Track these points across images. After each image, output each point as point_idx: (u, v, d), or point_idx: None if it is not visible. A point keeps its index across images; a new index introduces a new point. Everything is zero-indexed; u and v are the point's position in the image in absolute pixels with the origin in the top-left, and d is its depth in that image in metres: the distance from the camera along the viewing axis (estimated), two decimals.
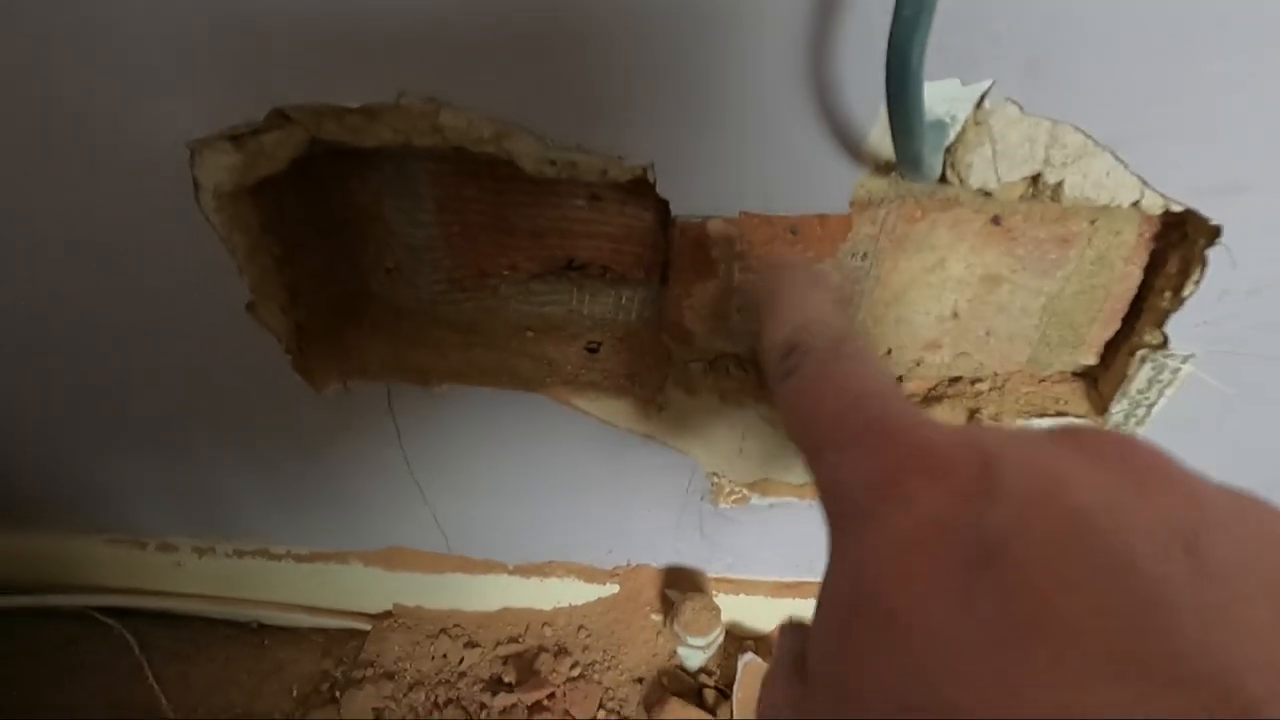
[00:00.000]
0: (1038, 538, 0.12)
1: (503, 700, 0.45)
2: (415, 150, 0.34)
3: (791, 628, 0.18)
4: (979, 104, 0.24)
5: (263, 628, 0.52)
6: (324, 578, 0.50)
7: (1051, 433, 0.15)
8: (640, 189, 0.34)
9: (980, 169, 0.26)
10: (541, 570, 0.48)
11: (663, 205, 0.34)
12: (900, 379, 0.37)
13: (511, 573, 0.48)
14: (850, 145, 0.26)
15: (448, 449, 0.41)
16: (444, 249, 0.37)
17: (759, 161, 0.27)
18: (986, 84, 0.24)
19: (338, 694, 0.47)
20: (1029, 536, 0.12)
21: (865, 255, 0.31)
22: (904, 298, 0.32)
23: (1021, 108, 0.24)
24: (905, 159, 0.22)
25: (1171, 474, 0.14)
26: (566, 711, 0.45)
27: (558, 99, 0.26)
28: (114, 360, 0.38)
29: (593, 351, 0.39)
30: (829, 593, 0.15)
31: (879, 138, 0.25)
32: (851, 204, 0.28)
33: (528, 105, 0.26)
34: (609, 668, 0.46)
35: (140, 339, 0.37)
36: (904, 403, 0.17)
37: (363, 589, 0.50)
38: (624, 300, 0.39)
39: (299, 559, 0.49)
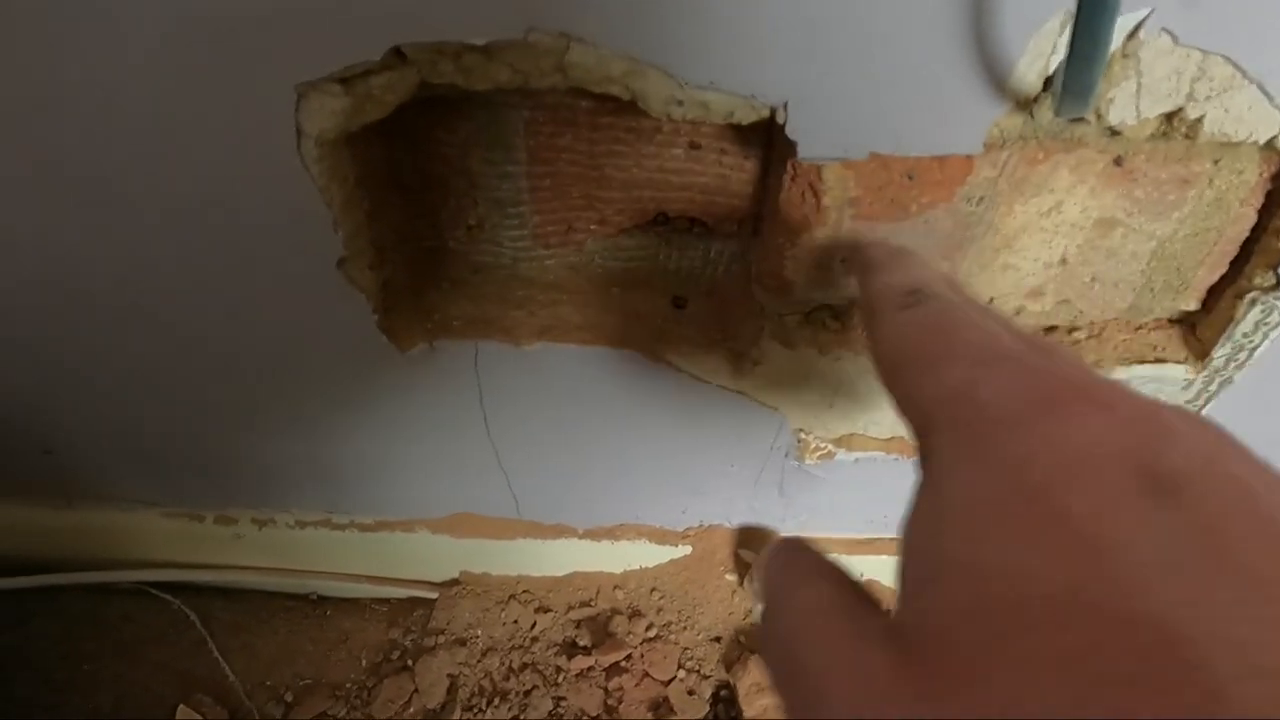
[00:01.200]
0: (1214, 486, 0.13)
1: (579, 663, 0.45)
2: (511, 98, 0.33)
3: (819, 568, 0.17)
4: (1131, 34, 0.24)
5: (322, 599, 0.51)
6: (389, 547, 0.49)
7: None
8: (744, 136, 0.33)
9: (1121, 104, 0.26)
10: (612, 533, 0.48)
11: (766, 153, 0.34)
12: None
13: (581, 536, 0.48)
14: (995, 79, 0.25)
15: (529, 409, 0.40)
16: (531, 203, 0.36)
17: (896, 100, 0.26)
18: (1145, 12, 0.23)
19: (409, 662, 0.47)
20: (1206, 483, 0.13)
21: (981, 200, 0.31)
22: (1015, 243, 0.32)
23: (1176, 38, 0.24)
24: (1075, 89, 0.22)
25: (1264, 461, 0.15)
26: (645, 672, 0.45)
27: (695, 33, 0.25)
28: (185, 327, 0.37)
29: (680, 307, 0.39)
30: (962, 489, 0.15)
31: (1024, 71, 0.25)
32: (986, 143, 0.27)
33: (663, 40, 0.25)
34: (685, 628, 0.46)
35: (215, 302, 0.35)
36: (1020, 338, 0.18)
37: (429, 557, 0.49)
38: (712, 254, 0.38)
39: (363, 528, 0.49)
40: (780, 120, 0.27)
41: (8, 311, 0.37)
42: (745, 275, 0.38)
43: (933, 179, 0.30)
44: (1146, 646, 0.11)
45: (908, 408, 0.18)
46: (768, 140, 0.33)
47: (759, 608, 0.18)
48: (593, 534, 0.48)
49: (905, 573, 0.15)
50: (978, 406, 0.16)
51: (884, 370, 0.19)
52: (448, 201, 0.37)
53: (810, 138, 0.27)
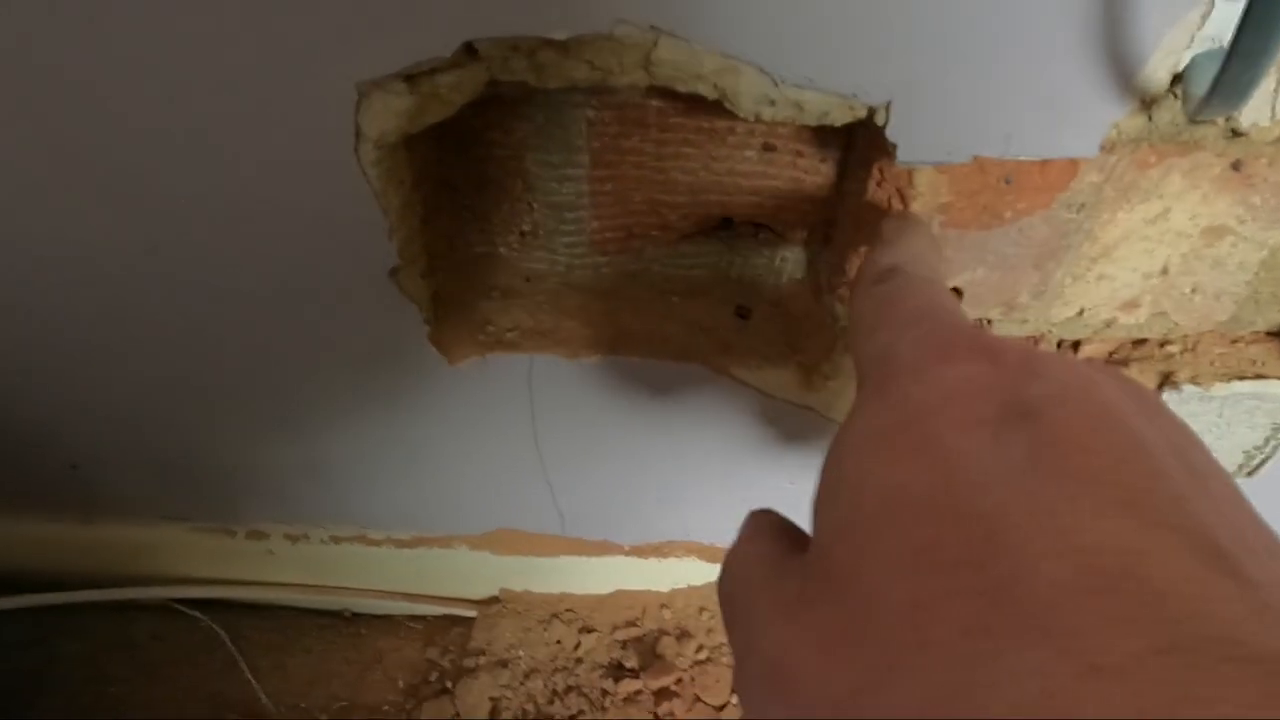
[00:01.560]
0: (1070, 410, 0.15)
1: (627, 686, 0.43)
2: (575, 96, 0.31)
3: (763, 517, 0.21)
4: None
5: (356, 616, 0.50)
6: (426, 563, 0.47)
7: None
8: (822, 137, 0.31)
9: (1257, 103, 0.24)
10: (660, 550, 0.46)
11: (845, 155, 0.32)
12: (1077, 345, 0.35)
13: (627, 554, 0.46)
14: (1123, 77, 0.23)
15: (581, 423, 0.39)
16: (590, 207, 0.34)
17: (1012, 99, 0.24)
18: None
19: (449, 684, 0.45)
20: (1062, 408, 0.15)
21: (1083, 206, 0.29)
22: (1114, 252, 0.30)
23: None
24: (1232, 88, 0.20)
25: (1158, 403, 0.17)
26: (696, 696, 0.43)
27: (796, 27, 0.23)
28: (225, 338, 0.35)
29: (744, 317, 0.37)
30: (863, 422, 0.17)
31: (1155, 68, 0.23)
32: (1101, 146, 0.25)
33: (761, 34, 0.23)
34: None
35: (259, 313, 0.34)
36: (956, 314, 0.20)
37: (467, 574, 0.47)
38: (777, 263, 0.36)
39: (399, 544, 0.47)
40: (880, 121, 0.25)
41: (37, 323, 0.35)
42: (815, 285, 0.36)
43: (1032, 184, 0.28)
44: (974, 536, 0.13)
45: (856, 369, 0.21)
46: (849, 141, 0.31)
47: None
48: (639, 551, 0.46)
49: (814, 502, 0.18)
50: (892, 359, 0.18)
51: (848, 337, 0.22)
52: (501, 206, 0.35)
53: (912, 140, 0.25)
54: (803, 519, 0.48)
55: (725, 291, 0.37)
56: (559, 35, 0.24)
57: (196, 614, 0.47)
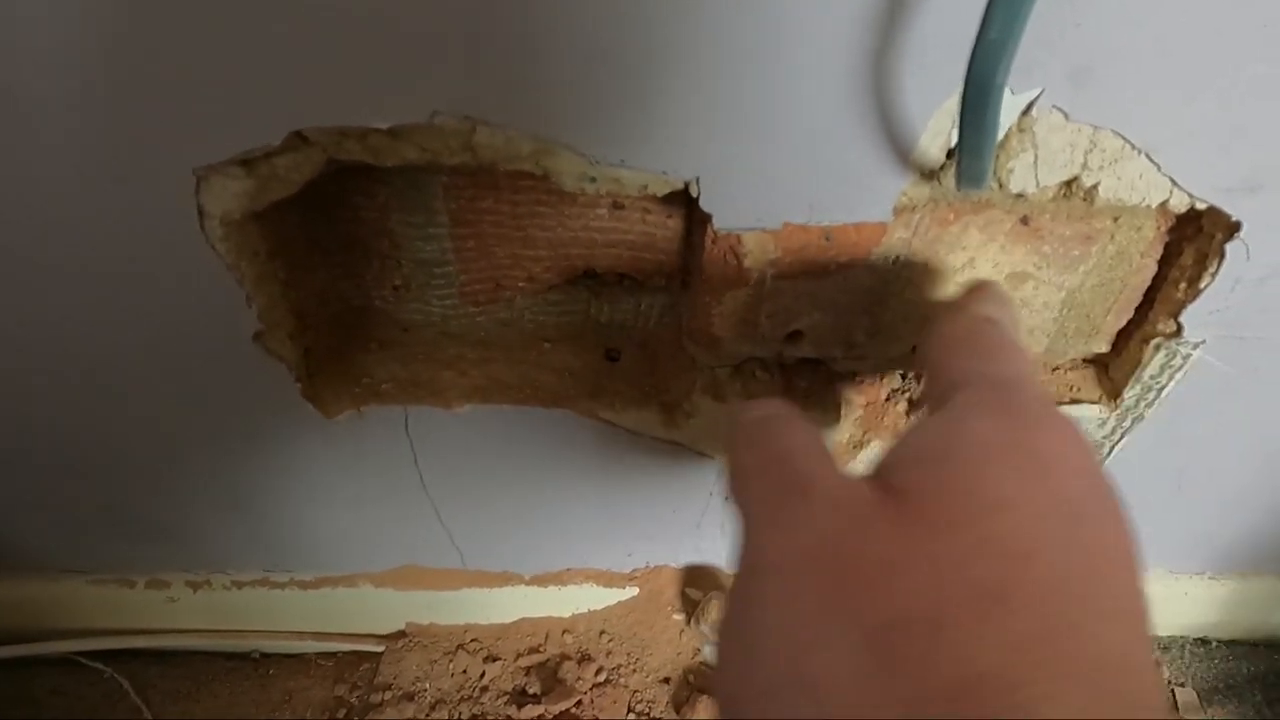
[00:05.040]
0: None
1: (529, 711, 0.45)
2: (428, 165, 0.32)
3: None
4: (1025, 111, 0.25)
5: (265, 657, 0.50)
6: (331, 602, 0.48)
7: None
8: (668, 197, 0.33)
9: (1021, 174, 0.26)
10: (559, 578, 0.48)
11: (689, 212, 0.34)
12: (919, 376, 0.38)
13: (528, 583, 0.48)
14: (900, 155, 0.26)
15: (465, 466, 0.40)
16: (456, 263, 0.36)
17: (807, 174, 0.26)
18: (1035, 92, 0.24)
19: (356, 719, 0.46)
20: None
21: (897, 258, 0.31)
22: (936, 296, 0.33)
23: (1066, 115, 0.25)
24: (970, 176, 0.23)
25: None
26: (595, 717, 0.44)
27: (603, 115, 0.25)
28: (108, 397, 0.35)
29: (613, 360, 0.39)
30: (976, 429, 0.19)
31: (926, 146, 0.25)
32: (895, 211, 0.28)
33: (569, 121, 0.25)
34: (634, 670, 0.46)
35: (136, 375, 0.34)
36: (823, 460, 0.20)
37: (373, 610, 0.48)
38: (643, 306, 0.38)
39: (304, 585, 0.47)
40: (694, 193, 0.27)
41: None
42: (677, 327, 0.38)
43: (849, 240, 0.30)
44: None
45: (940, 373, 0.23)
46: (687, 200, 0.33)
47: (708, 645, 0.23)
48: (539, 580, 0.48)
49: (909, 451, 0.19)
50: (998, 383, 0.21)
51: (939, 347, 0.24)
52: (371, 263, 0.36)
53: (724, 209, 0.28)
54: (690, 545, 0.49)
55: (595, 336, 0.39)
56: (381, 125, 0.25)
57: (99, 665, 0.47)
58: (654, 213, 0.34)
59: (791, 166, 0.26)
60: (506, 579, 0.48)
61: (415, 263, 0.36)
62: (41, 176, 0.26)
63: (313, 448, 0.38)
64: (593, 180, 0.27)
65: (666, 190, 0.28)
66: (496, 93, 0.24)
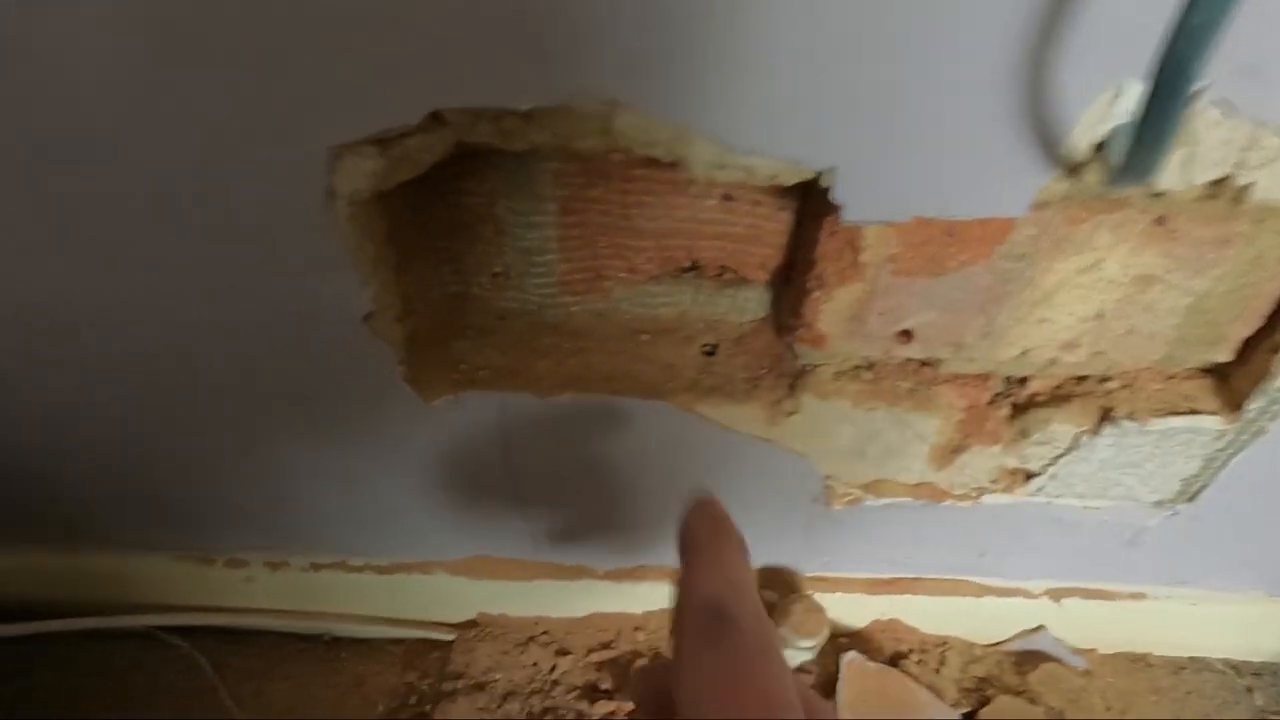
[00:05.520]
0: None
1: (602, 707, 0.45)
2: (543, 150, 0.32)
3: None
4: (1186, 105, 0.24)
5: (335, 640, 0.50)
6: (405, 588, 0.48)
7: None
8: (779, 189, 0.33)
9: (1171, 172, 0.26)
10: (634, 575, 0.47)
11: (802, 205, 0.33)
12: (1025, 380, 0.37)
13: (602, 577, 0.47)
14: (1048, 148, 0.25)
15: (553, 457, 0.40)
16: (559, 251, 0.36)
17: (948, 166, 0.26)
18: (1204, 83, 0.23)
19: (427, 708, 0.46)
20: None
21: (1021, 257, 0.30)
22: (1053, 298, 0.32)
23: (1227, 111, 0.24)
24: (1138, 169, 0.22)
25: None
26: None
27: (745, 101, 0.24)
28: (205, 374, 0.36)
29: (709, 354, 0.38)
30: None
31: (1077, 139, 0.25)
32: (1031, 207, 0.27)
33: (712, 107, 0.25)
34: None
35: (239, 353, 0.35)
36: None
37: (445, 598, 0.48)
38: (741, 301, 0.38)
39: (379, 570, 0.48)
40: (825, 185, 0.27)
41: (24, 359, 0.36)
42: (777, 324, 0.37)
43: (973, 237, 0.30)
44: None
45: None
46: (804, 192, 0.33)
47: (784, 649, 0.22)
48: (614, 575, 0.47)
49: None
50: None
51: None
52: (473, 249, 0.36)
53: (855, 201, 0.27)
54: (768, 546, 0.48)
55: (691, 330, 0.39)
56: (522, 106, 0.25)
57: (176, 641, 0.48)
58: (764, 205, 0.34)
59: (933, 158, 0.26)
60: (580, 572, 0.47)
61: (517, 250, 0.36)
62: (179, 147, 0.26)
63: (408, 432, 0.38)
64: (723, 168, 0.27)
65: (795, 180, 0.27)
66: (640, 76, 0.24)
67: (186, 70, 0.24)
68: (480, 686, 0.46)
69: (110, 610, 0.47)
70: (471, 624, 0.49)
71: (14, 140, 0.26)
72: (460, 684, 0.46)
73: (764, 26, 0.22)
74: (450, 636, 0.49)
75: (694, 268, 0.37)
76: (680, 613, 0.21)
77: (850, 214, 0.27)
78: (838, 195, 0.27)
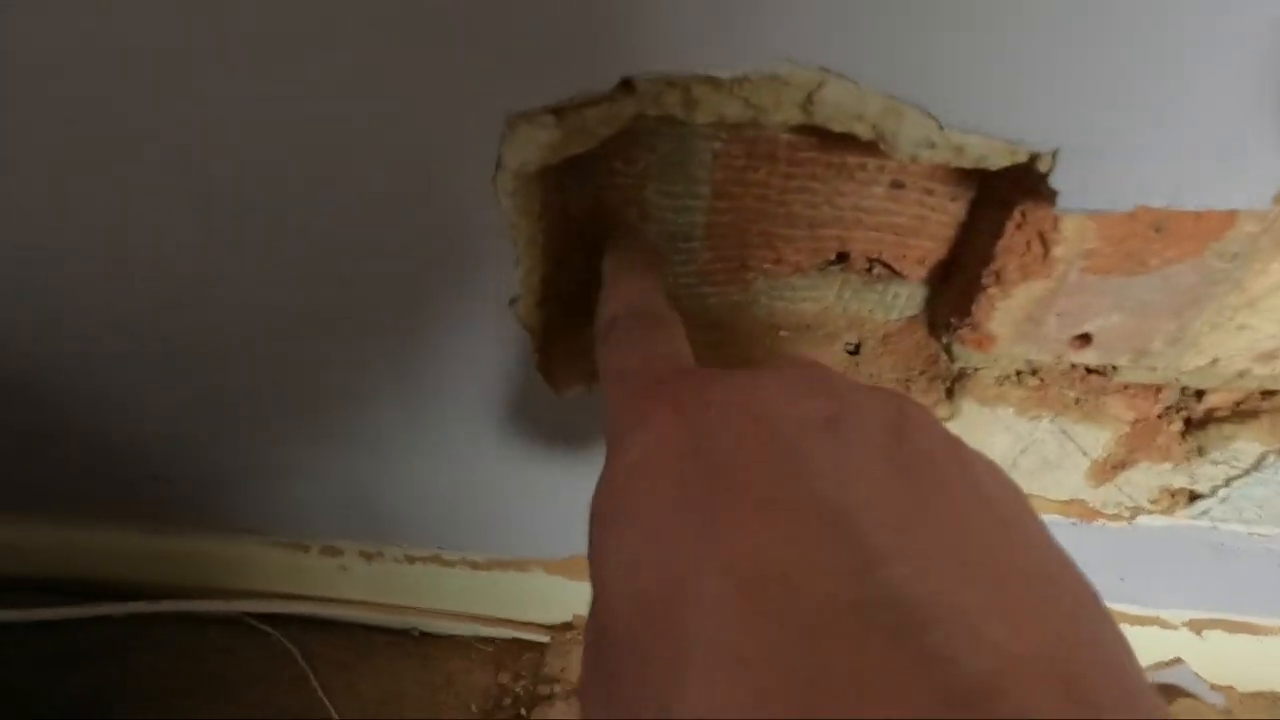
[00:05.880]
0: (727, 432, 0.17)
1: None
2: (706, 129, 0.30)
3: None
4: None
5: (423, 635, 0.49)
6: (500, 586, 0.47)
7: (759, 367, 0.20)
8: (956, 175, 0.31)
9: None
10: None
11: (979, 194, 0.31)
12: (1202, 393, 0.34)
13: None
14: None
15: None
16: (705, 238, 0.34)
17: (1184, 152, 0.23)
18: None
19: (523, 711, 0.44)
20: (721, 432, 0.17)
21: (1235, 256, 0.28)
22: (1260, 303, 0.29)
23: None
24: None
25: (826, 381, 0.19)
26: None
27: (973, 71, 0.22)
28: (325, 357, 0.35)
29: (853, 353, 0.36)
30: (597, 499, 0.19)
31: None
32: (1275, 199, 0.24)
33: (936, 77, 0.22)
34: None
35: (367, 336, 0.33)
36: (667, 358, 0.23)
37: (541, 598, 0.47)
38: (890, 298, 0.35)
39: (474, 566, 0.46)
40: (1043, 168, 0.24)
41: (132, 336, 0.35)
42: (931, 322, 0.35)
43: (1184, 232, 0.27)
44: (660, 594, 0.15)
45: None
46: (982, 180, 0.30)
47: None
48: None
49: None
50: (610, 428, 0.21)
51: None
52: (612, 233, 0.34)
53: (1075, 187, 0.25)
54: None
55: (833, 327, 0.36)
56: (724, 74, 0.23)
57: (267, 629, 0.47)
58: (936, 194, 0.31)
59: (1169, 140, 0.23)
60: None
61: (663, 236, 0.34)
62: (345, 112, 0.25)
63: (529, 424, 0.36)
64: (932, 146, 0.24)
65: (1004, 163, 0.25)
66: (859, 42, 0.22)
67: (365, 30, 0.22)
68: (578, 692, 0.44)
69: (202, 594, 0.47)
70: (567, 626, 0.47)
71: (165, 123, 0.25)
72: (557, 688, 0.45)
73: None
74: (545, 638, 0.47)
75: (840, 259, 0.35)
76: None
77: (1066, 202, 0.25)
78: (1056, 181, 0.24)
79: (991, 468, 0.18)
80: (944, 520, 0.14)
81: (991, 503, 0.16)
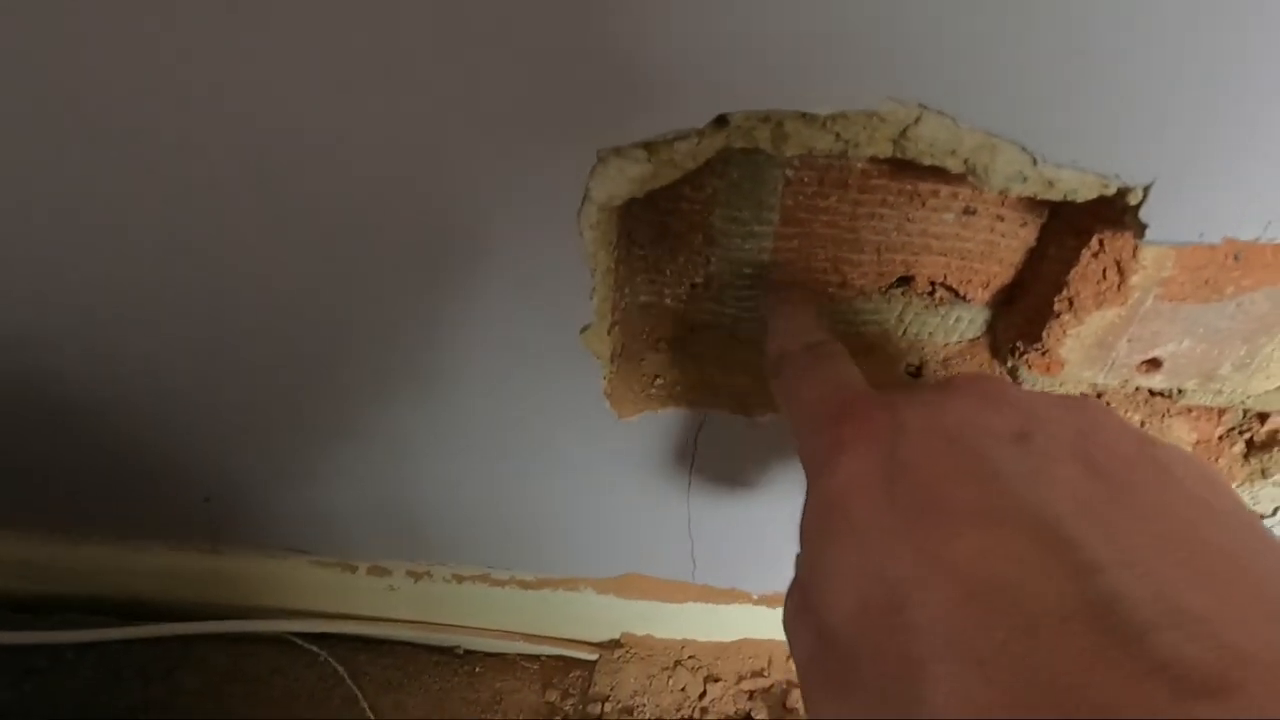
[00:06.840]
0: (925, 452, 0.18)
1: None
2: (779, 156, 0.30)
3: None
4: None
5: (469, 653, 0.49)
6: (548, 604, 0.47)
7: (936, 383, 0.23)
8: (1028, 202, 0.31)
9: None
10: None
11: (1050, 222, 0.31)
12: (1265, 416, 0.34)
13: (756, 602, 0.45)
14: None
15: (735, 477, 0.38)
16: (770, 264, 0.34)
17: (1277, 185, 0.23)
18: None
19: None
20: (920, 452, 0.18)
21: None
22: None
23: None
24: None
25: (1007, 395, 0.20)
26: None
27: (1074, 107, 0.22)
28: (390, 382, 0.35)
29: (914, 375, 0.36)
30: (807, 519, 0.20)
31: None
32: None
33: (1033, 114, 0.22)
34: None
35: (434, 361, 0.33)
36: (844, 385, 0.24)
37: (590, 616, 0.47)
38: (953, 322, 0.35)
39: (523, 585, 0.46)
40: (1133, 201, 0.25)
41: (186, 356, 0.35)
42: (994, 346, 0.35)
43: (1263, 261, 0.27)
44: (884, 602, 0.16)
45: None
46: (1055, 207, 0.30)
47: None
48: (769, 600, 0.45)
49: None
50: (807, 459, 0.23)
51: None
52: (677, 258, 0.34)
53: (1166, 220, 0.25)
54: None
55: (894, 349, 0.36)
56: (822, 111, 0.23)
57: (314, 648, 0.47)
58: (1007, 220, 0.31)
59: (1264, 174, 0.23)
60: (733, 596, 0.45)
61: (727, 261, 0.34)
62: (434, 143, 0.25)
63: (590, 448, 0.36)
64: (1024, 180, 0.24)
65: (1092, 195, 0.25)
66: (960, 80, 0.22)
67: (460, 61, 0.22)
68: (628, 710, 0.45)
69: (250, 614, 0.47)
70: (615, 644, 0.47)
71: (249, 140, 0.25)
72: (607, 707, 0.45)
73: (1107, 25, 0.20)
74: (592, 656, 0.47)
75: (902, 282, 0.35)
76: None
77: (1157, 233, 0.25)
78: (1147, 214, 0.24)
79: (1188, 460, 0.19)
80: (1149, 520, 0.15)
81: (1193, 498, 0.16)
